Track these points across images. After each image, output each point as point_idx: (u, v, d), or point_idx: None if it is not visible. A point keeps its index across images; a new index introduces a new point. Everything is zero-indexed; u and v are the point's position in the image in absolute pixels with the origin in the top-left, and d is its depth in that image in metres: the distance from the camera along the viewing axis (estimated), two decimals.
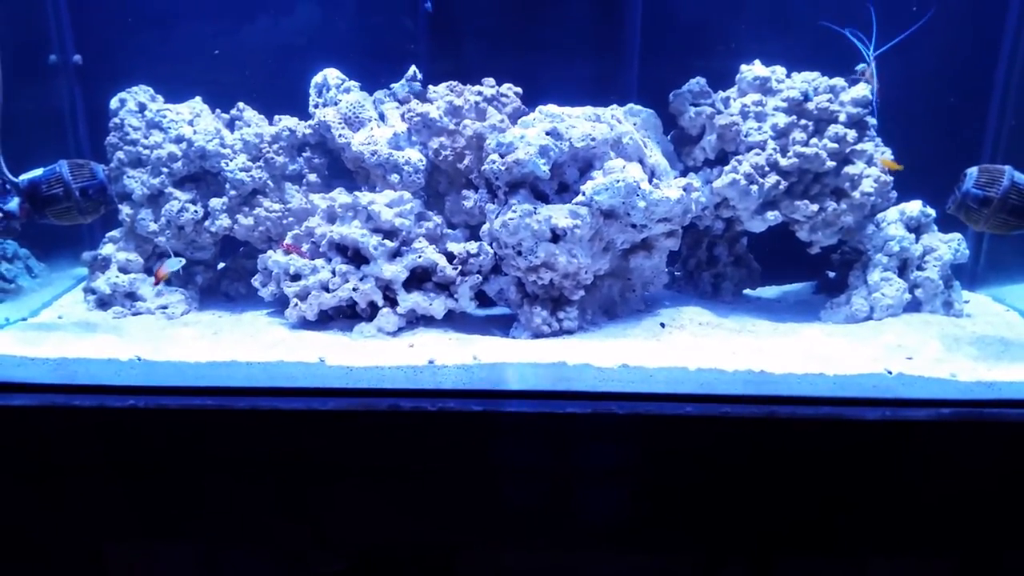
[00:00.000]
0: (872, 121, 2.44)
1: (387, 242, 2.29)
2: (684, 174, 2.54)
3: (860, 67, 2.44)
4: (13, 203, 2.11)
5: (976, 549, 1.78)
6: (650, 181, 2.29)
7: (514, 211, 2.18)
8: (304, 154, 2.66)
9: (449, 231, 2.42)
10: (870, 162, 2.42)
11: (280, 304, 2.44)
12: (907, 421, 1.70)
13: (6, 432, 1.76)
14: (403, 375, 1.89)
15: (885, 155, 2.42)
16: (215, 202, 2.54)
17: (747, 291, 2.77)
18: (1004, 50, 2.61)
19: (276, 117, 2.63)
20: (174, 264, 2.38)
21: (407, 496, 1.78)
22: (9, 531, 1.83)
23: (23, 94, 2.63)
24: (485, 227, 2.33)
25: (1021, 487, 1.70)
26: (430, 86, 2.55)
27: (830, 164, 2.40)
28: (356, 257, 2.33)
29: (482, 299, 2.40)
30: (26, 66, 2.76)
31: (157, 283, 2.45)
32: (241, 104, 2.64)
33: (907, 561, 1.85)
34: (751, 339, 2.23)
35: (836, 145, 2.39)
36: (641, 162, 2.33)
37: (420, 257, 2.30)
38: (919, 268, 2.42)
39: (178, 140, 2.53)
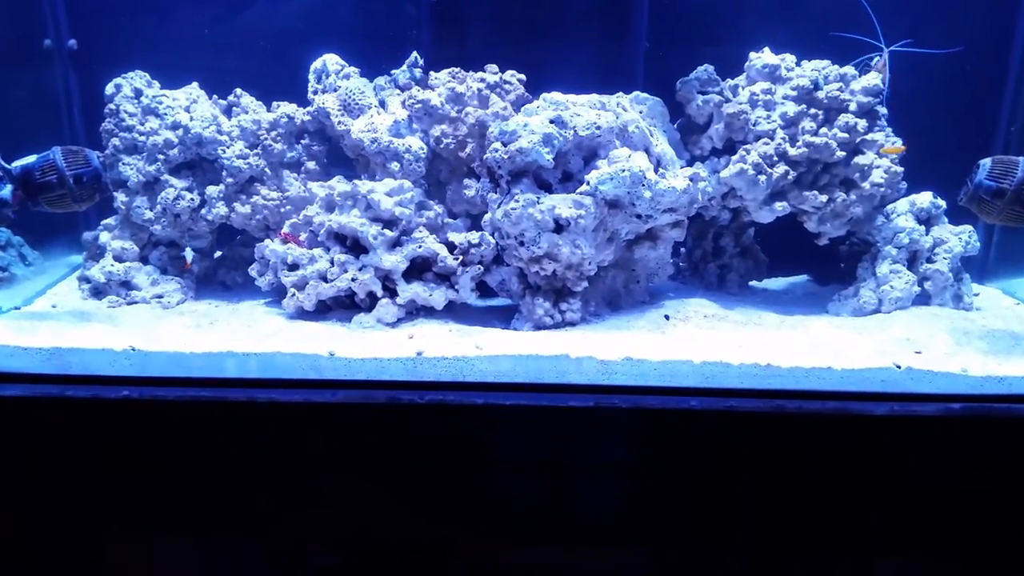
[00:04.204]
0: (883, 110, 2.39)
1: (387, 231, 2.25)
2: (691, 163, 2.50)
3: (874, 60, 2.39)
4: (6, 190, 2.08)
5: (985, 546, 1.75)
6: (656, 170, 2.26)
7: (517, 201, 2.15)
8: (303, 141, 2.62)
9: (450, 221, 2.39)
10: (880, 152, 2.38)
11: (277, 294, 2.41)
12: (916, 416, 1.67)
13: None
14: (402, 367, 1.86)
15: (895, 144, 2.37)
16: (212, 190, 2.50)
17: (753, 283, 2.74)
18: (1018, 38, 2.56)
19: (274, 104, 2.59)
20: (189, 254, 2.49)
21: (405, 489, 1.76)
22: (2, 523, 1.81)
23: (17, 80, 2.59)
24: (487, 217, 2.29)
25: None
26: (432, 72, 2.51)
27: (840, 154, 2.35)
28: (355, 247, 2.29)
29: (483, 290, 2.37)
30: (20, 51, 2.73)
31: (186, 269, 2.54)
32: (239, 90, 2.60)
33: (915, 558, 1.82)
34: (757, 332, 2.20)
35: (846, 135, 2.34)
36: (647, 151, 2.28)
37: (420, 247, 2.26)
38: (929, 260, 2.38)
39: (174, 127, 2.49)
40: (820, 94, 2.37)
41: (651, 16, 2.62)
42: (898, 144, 2.36)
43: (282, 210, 2.49)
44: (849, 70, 2.40)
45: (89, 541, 1.87)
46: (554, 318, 2.22)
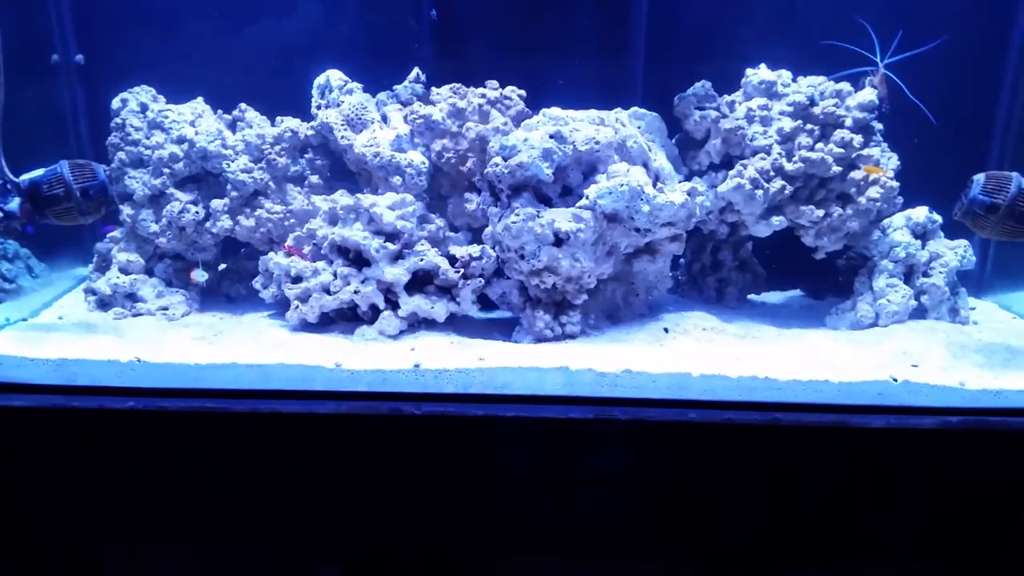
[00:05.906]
0: (878, 126, 2.42)
1: (389, 244, 2.28)
2: (689, 178, 2.52)
3: (867, 78, 2.42)
4: (14, 203, 2.10)
5: (982, 559, 1.76)
6: (654, 185, 2.28)
7: (517, 214, 2.17)
8: (306, 156, 2.65)
9: (451, 234, 2.41)
10: (876, 167, 2.40)
11: (281, 306, 2.43)
12: (913, 429, 1.68)
13: (5, 433, 1.75)
14: (404, 379, 1.88)
15: (880, 163, 2.40)
16: (216, 203, 2.53)
17: (751, 296, 2.75)
18: (1012, 55, 2.59)
19: (278, 118, 2.61)
20: (201, 275, 2.48)
21: (407, 500, 1.77)
22: (8, 532, 1.82)
23: (25, 94, 2.62)
24: (488, 230, 2.31)
25: None
26: (433, 88, 2.54)
27: (836, 169, 2.38)
28: (358, 259, 2.31)
29: (484, 302, 2.38)
30: (28, 66, 2.75)
31: (191, 281, 2.55)
32: (243, 105, 2.63)
33: (911, 571, 1.83)
34: (755, 345, 2.21)
35: (842, 150, 2.37)
36: (645, 166, 2.31)
37: (422, 260, 2.29)
38: (925, 275, 2.40)
39: (180, 141, 2.52)
40: (816, 110, 2.40)
41: (649, 32, 2.65)
42: (883, 165, 2.38)
43: (286, 223, 2.51)
44: (845, 86, 2.43)
45: (93, 551, 1.88)
46: (554, 331, 2.24)
